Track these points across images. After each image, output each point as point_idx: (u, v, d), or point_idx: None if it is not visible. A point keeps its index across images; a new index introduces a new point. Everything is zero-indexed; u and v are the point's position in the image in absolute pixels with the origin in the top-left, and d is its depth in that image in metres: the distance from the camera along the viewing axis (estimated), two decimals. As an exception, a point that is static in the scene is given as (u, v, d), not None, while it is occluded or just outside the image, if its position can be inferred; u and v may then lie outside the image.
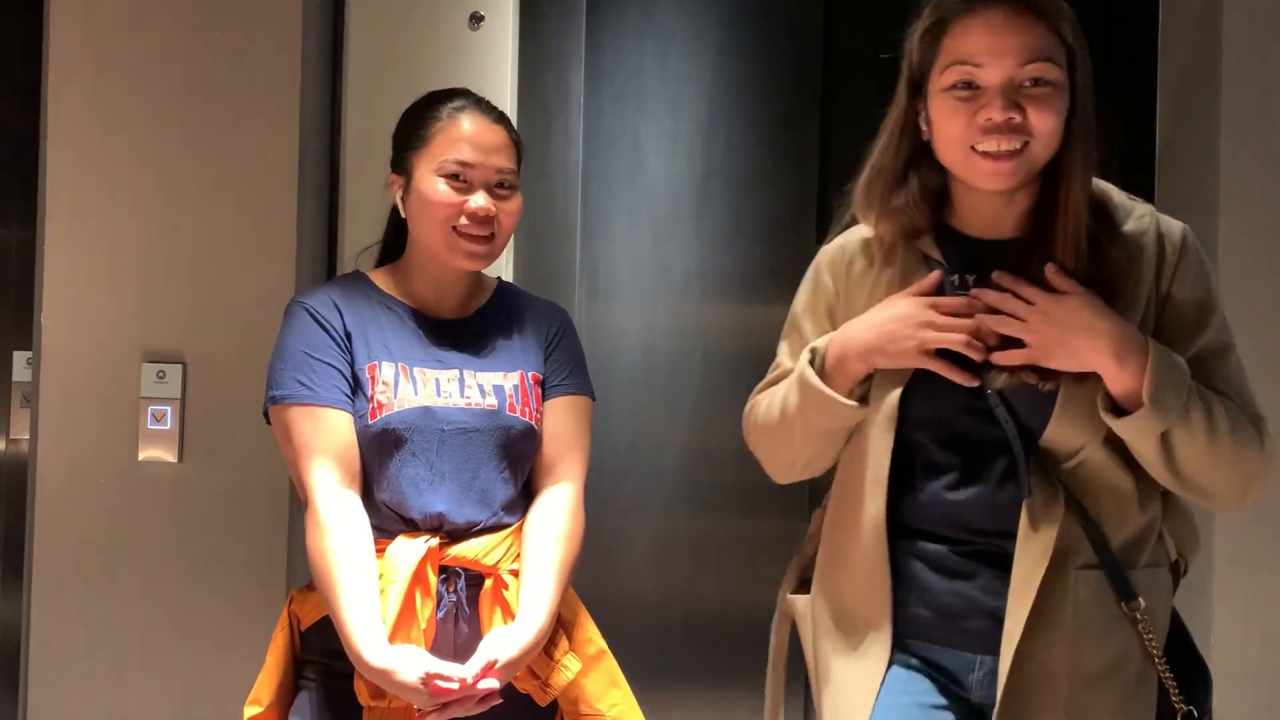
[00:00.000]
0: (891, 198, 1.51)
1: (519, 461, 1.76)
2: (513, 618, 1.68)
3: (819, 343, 1.55)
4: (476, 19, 2.34)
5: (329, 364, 1.70)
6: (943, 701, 1.47)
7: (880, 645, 1.49)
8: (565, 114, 2.50)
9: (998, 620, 1.42)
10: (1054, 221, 1.42)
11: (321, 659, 1.71)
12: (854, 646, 1.52)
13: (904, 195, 1.51)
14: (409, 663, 1.55)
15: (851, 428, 1.54)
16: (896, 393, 1.48)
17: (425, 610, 1.64)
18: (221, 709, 2.01)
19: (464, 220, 1.74)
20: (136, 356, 2.24)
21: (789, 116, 2.60)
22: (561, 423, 1.81)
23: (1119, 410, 1.39)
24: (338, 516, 1.63)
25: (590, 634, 1.79)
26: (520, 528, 1.76)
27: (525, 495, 1.80)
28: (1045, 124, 1.40)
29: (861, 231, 1.60)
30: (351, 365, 1.72)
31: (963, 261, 1.51)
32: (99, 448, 2.24)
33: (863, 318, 1.52)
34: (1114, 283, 1.43)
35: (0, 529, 2.46)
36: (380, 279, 1.83)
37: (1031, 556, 1.40)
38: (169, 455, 2.24)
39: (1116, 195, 1.52)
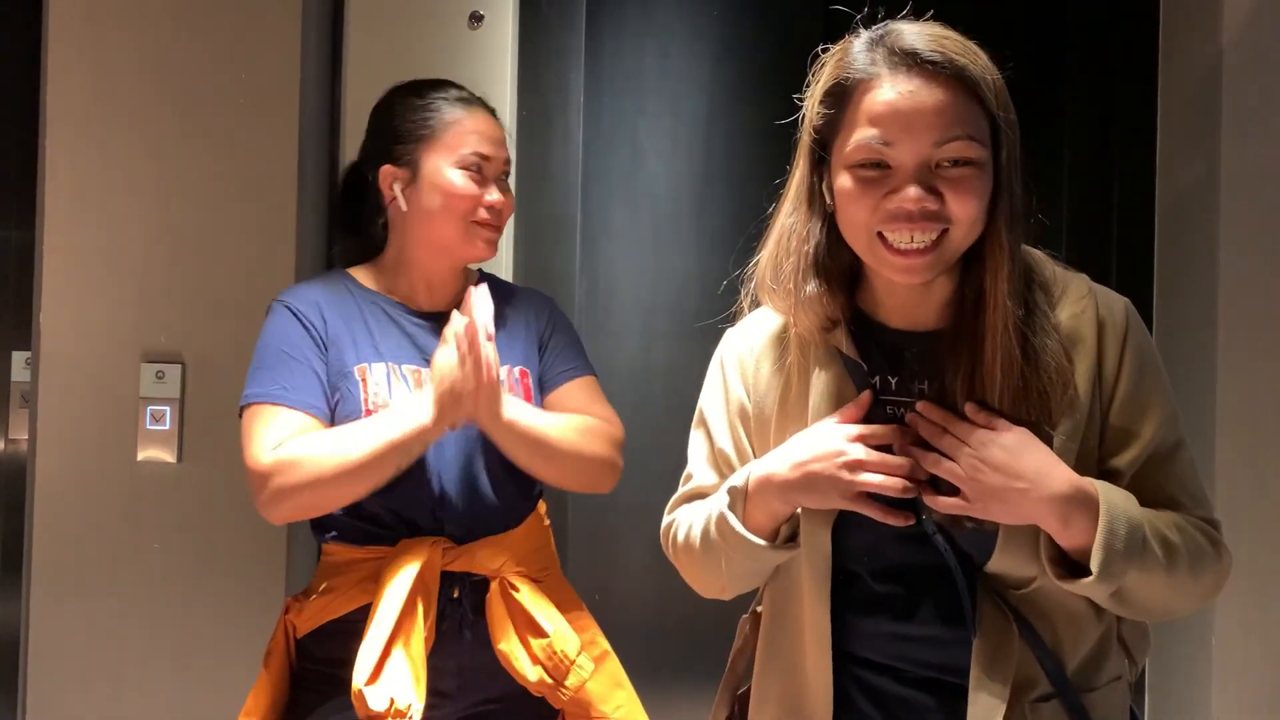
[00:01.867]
0: (803, 285, 1.31)
1: None
2: (526, 623, 1.67)
3: (737, 479, 1.34)
4: (476, 19, 2.34)
5: (309, 368, 1.68)
6: None
7: None
8: (565, 114, 2.50)
9: None
10: (979, 317, 1.24)
11: (320, 668, 1.70)
12: None
13: (816, 284, 1.31)
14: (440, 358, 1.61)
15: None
16: (826, 533, 1.31)
17: (427, 617, 1.63)
18: (221, 709, 2.01)
19: (483, 213, 1.77)
20: (135, 357, 2.24)
21: (789, 116, 2.60)
22: (575, 400, 1.81)
23: (1064, 561, 1.24)
24: (284, 445, 1.62)
25: (594, 635, 1.78)
26: (523, 533, 1.75)
27: (528, 498, 1.80)
28: (966, 210, 1.21)
29: (764, 321, 1.43)
30: (329, 369, 1.70)
31: (882, 358, 1.33)
32: (98, 448, 2.24)
33: (783, 452, 1.31)
34: (1047, 388, 1.25)
35: (0, 529, 2.46)
36: (363, 276, 1.81)
37: (985, 705, 1.24)
38: (168, 455, 2.23)
39: (1048, 270, 1.32)
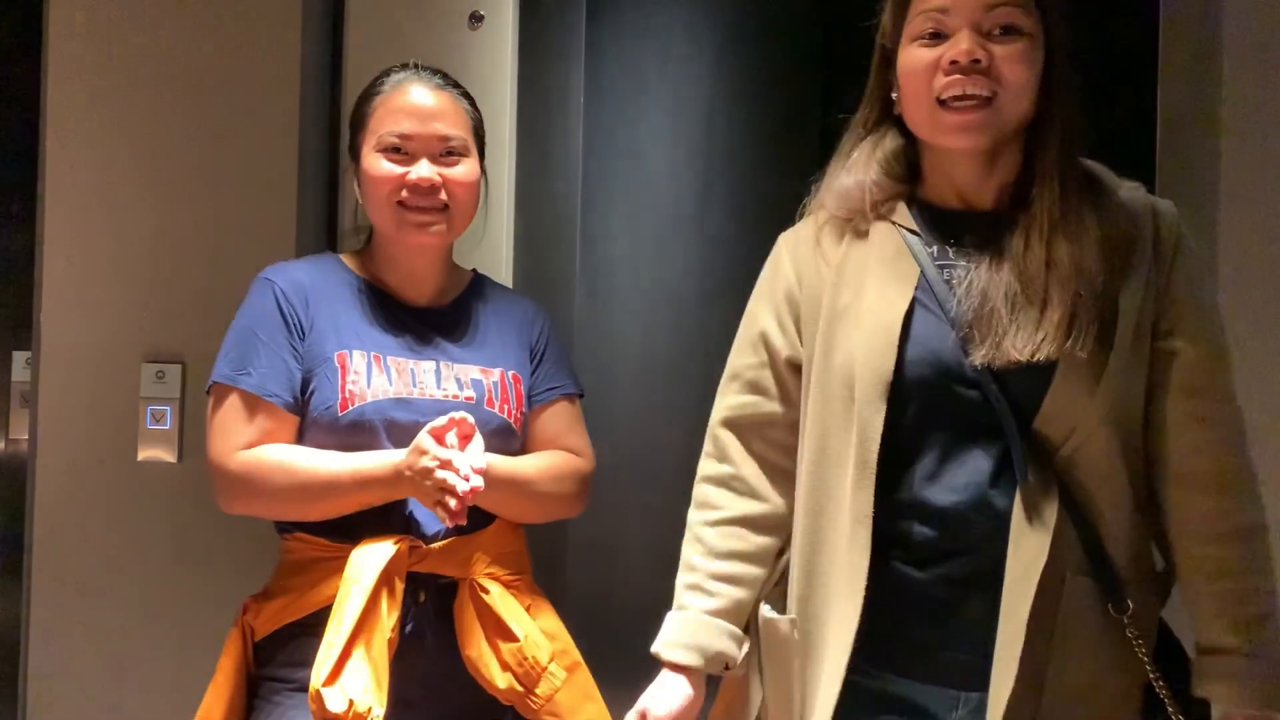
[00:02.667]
0: (869, 165, 1.42)
1: None
2: (496, 627, 1.62)
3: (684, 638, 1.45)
4: (476, 19, 2.34)
5: (279, 355, 1.66)
6: None
7: (834, 669, 1.35)
8: (565, 114, 2.50)
9: (985, 654, 1.30)
10: (1040, 194, 1.32)
11: (279, 673, 1.65)
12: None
13: (864, 170, 1.42)
14: (421, 442, 1.57)
15: None
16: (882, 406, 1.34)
17: (391, 617, 1.57)
18: (221, 709, 2.01)
19: (405, 193, 1.68)
20: (136, 356, 2.24)
21: (789, 116, 2.59)
22: (555, 425, 1.81)
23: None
24: (255, 450, 1.63)
25: (566, 644, 1.72)
26: (495, 532, 1.71)
27: None
28: (1014, 73, 1.32)
29: (822, 216, 1.50)
30: (308, 354, 1.67)
31: (939, 232, 1.40)
32: (98, 448, 2.23)
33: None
34: (1118, 243, 1.32)
35: (0, 529, 2.46)
36: (351, 261, 1.79)
37: (1023, 566, 1.28)
38: (168, 455, 2.23)
39: (1106, 174, 1.43)
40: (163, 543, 2.23)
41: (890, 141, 1.43)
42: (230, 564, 2.22)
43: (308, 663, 1.54)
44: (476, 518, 1.66)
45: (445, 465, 1.55)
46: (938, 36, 1.34)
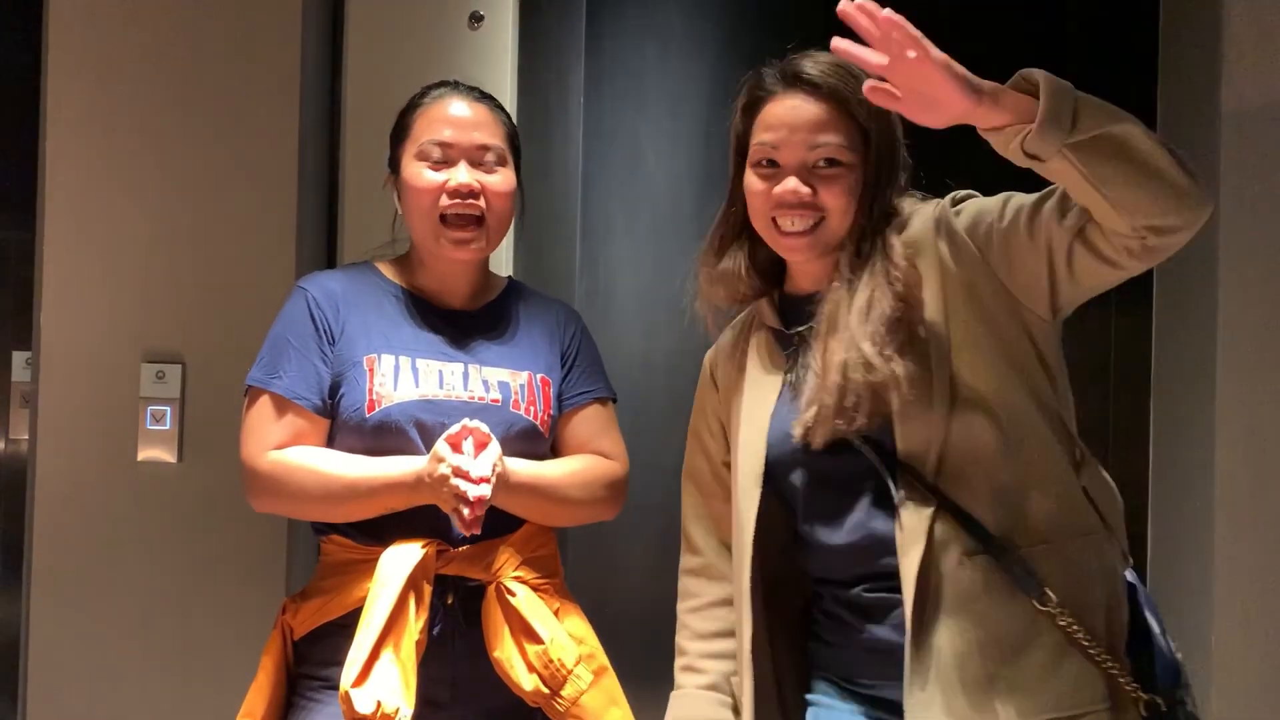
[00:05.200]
0: (721, 261, 1.59)
1: None
2: (523, 629, 1.64)
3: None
4: (476, 19, 2.33)
5: (309, 359, 1.70)
6: None
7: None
8: (565, 114, 2.50)
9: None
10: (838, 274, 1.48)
11: (316, 671, 1.67)
12: None
13: (733, 260, 1.58)
14: (438, 449, 1.59)
15: None
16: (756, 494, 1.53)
17: (419, 620, 1.59)
18: (220, 709, 2.00)
19: (445, 200, 1.71)
20: (136, 357, 2.24)
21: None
22: (586, 429, 1.81)
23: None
24: (284, 451, 1.67)
25: (594, 649, 1.73)
26: (524, 536, 1.72)
27: None
28: (836, 201, 1.48)
29: (729, 330, 1.68)
30: (338, 359, 1.70)
31: (800, 315, 1.55)
32: (98, 448, 2.23)
33: None
34: (906, 283, 1.44)
35: (0, 529, 2.46)
36: (388, 269, 1.82)
37: (910, 544, 1.40)
38: (168, 455, 2.23)
39: (905, 207, 1.54)
40: (163, 543, 2.23)
41: (752, 239, 1.58)
42: (230, 564, 2.22)
43: (341, 661, 1.56)
44: (505, 521, 1.69)
45: (458, 473, 1.57)
46: (773, 164, 1.50)
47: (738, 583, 1.55)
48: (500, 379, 1.74)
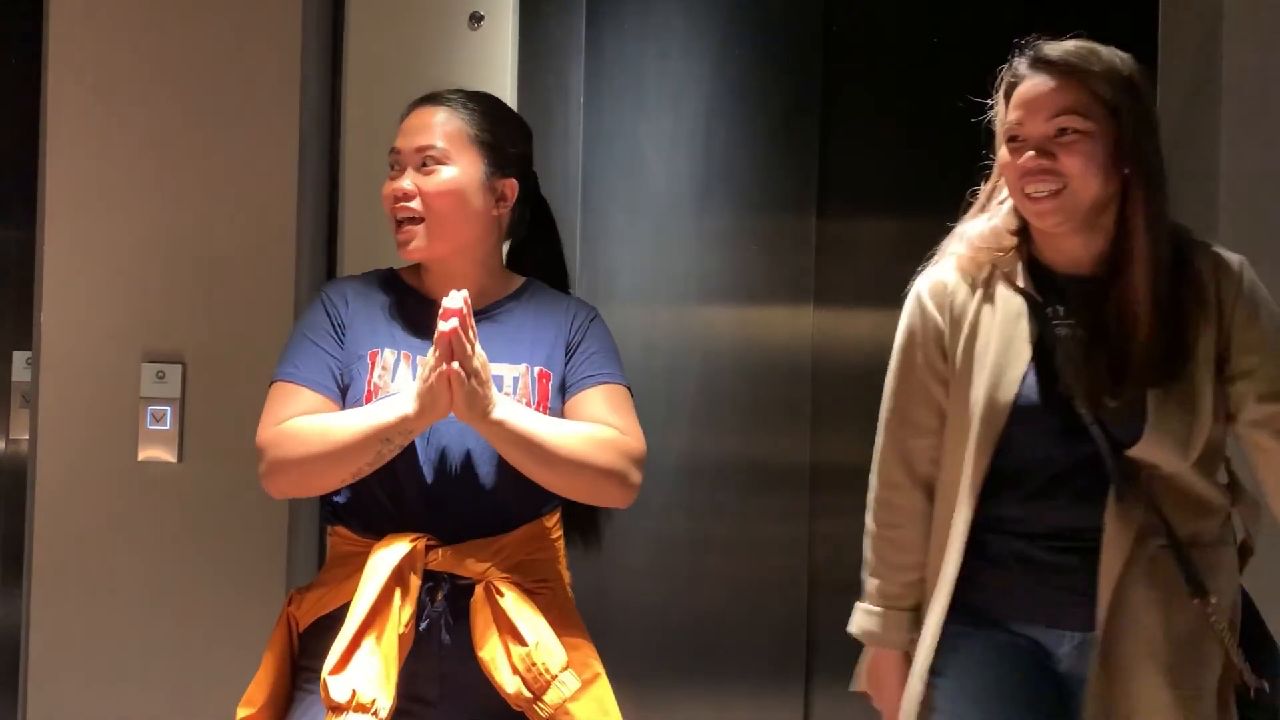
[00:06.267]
0: (994, 229, 1.72)
1: None
2: (509, 630, 1.62)
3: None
4: (476, 19, 2.34)
5: (321, 349, 1.74)
6: (1038, 673, 1.68)
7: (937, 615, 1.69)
8: (565, 114, 2.50)
9: (1089, 600, 1.60)
10: (1129, 266, 1.60)
11: (315, 663, 1.66)
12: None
13: (999, 227, 1.71)
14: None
15: None
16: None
17: (404, 613, 1.58)
18: (221, 709, 2.01)
19: (393, 205, 1.76)
20: (136, 357, 2.24)
21: (789, 116, 2.60)
22: (593, 408, 1.75)
23: None
24: (284, 421, 1.68)
25: (587, 657, 1.71)
26: (519, 538, 1.71)
27: (529, 505, 1.75)
28: (1073, 166, 1.59)
29: (952, 264, 1.75)
30: (347, 352, 1.74)
31: (1051, 292, 1.68)
32: (99, 448, 2.24)
33: None
34: (1183, 325, 1.60)
35: (0, 529, 2.46)
36: (407, 274, 1.86)
37: (1118, 529, 1.59)
38: (169, 455, 2.24)
39: (1182, 233, 1.67)
40: (163, 543, 2.23)
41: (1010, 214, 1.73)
42: (230, 564, 2.22)
43: None
44: (499, 520, 1.69)
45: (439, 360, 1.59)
46: (1018, 140, 1.64)
47: (956, 519, 1.68)
48: (495, 374, 1.72)
